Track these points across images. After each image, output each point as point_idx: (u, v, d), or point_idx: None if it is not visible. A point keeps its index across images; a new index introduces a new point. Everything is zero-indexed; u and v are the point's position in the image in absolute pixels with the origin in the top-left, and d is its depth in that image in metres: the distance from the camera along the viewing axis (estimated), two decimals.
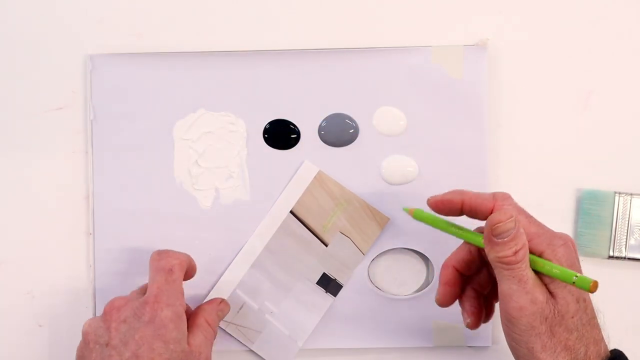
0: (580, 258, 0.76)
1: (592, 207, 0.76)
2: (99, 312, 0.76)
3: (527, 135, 0.78)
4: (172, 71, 0.77)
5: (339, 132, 0.77)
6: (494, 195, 0.68)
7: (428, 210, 0.70)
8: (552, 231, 0.67)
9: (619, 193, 0.76)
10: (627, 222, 0.76)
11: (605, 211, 0.76)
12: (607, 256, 0.76)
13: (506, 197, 0.68)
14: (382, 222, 0.77)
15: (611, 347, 0.67)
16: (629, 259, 0.76)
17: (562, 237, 0.66)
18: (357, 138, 0.77)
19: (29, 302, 0.78)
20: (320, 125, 0.77)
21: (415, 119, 0.77)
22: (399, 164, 0.77)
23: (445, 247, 0.76)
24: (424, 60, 0.77)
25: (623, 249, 0.76)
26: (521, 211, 0.68)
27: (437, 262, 0.77)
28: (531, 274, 0.65)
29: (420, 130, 0.77)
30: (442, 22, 0.78)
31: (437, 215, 0.70)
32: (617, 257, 0.76)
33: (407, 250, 0.78)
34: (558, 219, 0.77)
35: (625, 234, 0.76)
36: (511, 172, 0.78)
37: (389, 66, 0.77)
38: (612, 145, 0.78)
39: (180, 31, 0.78)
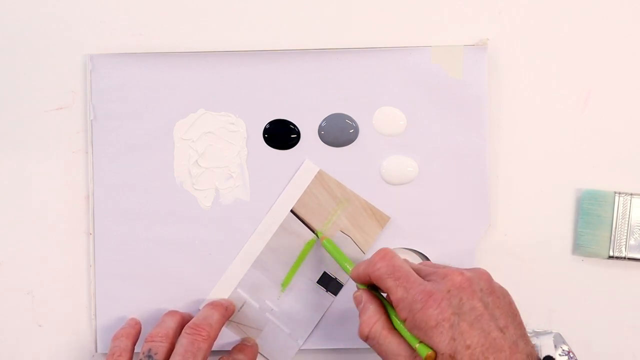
0: (580, 258, 0.77)
1: (592, 207, 0.76)
2: (99, 313, 0.76)
3: (527, 135, 0.78)
4: (172, 71, 0.77)
5: (339, 132, 0.77)
6: (369, 262, 0.68)
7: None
8: (423, 286, 0.65)
9: (619, 193, 0.76)
10: (627, 222, 0.76)
11: (605, 211, 0.76)
12: (607, 256, 0.76)
13: (375, 261, 0.68)
14: (382, 221, 0.77)
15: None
16: (629, 259, 0.76)
17: (421, 299, 0.65)
18: (357, 138, 0.77)
19: (29, 302, 0.78)
20: (320, 125, 0.77)
21: (415, 119, 0.77)
22: (399, 164, 0.77)
23: (445, 247, 0.77)
24: (423, 60, 0.77)
25: (623, 249, 0.76)
26: (390, 274, 0.67)
27: (437, 262, 0.77)
28: (392, 339, 0.66)
29: (420, 130, 0.77)
30: (442, 22, 0.78)
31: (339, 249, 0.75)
32: (617, 257, 0.76)
33: (407, 250, 0.78)
34: (558, 219, 0.78)
35: (625, 234, 0.76)
36: (511, 172, 0.78)
37: (389, 66, 0.77)
38: (612, 145, 0.78)
39: (180, 31, 0.78)
